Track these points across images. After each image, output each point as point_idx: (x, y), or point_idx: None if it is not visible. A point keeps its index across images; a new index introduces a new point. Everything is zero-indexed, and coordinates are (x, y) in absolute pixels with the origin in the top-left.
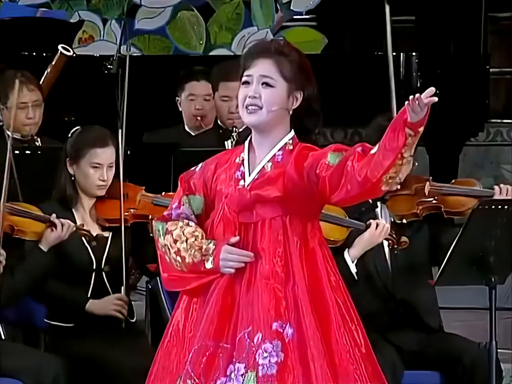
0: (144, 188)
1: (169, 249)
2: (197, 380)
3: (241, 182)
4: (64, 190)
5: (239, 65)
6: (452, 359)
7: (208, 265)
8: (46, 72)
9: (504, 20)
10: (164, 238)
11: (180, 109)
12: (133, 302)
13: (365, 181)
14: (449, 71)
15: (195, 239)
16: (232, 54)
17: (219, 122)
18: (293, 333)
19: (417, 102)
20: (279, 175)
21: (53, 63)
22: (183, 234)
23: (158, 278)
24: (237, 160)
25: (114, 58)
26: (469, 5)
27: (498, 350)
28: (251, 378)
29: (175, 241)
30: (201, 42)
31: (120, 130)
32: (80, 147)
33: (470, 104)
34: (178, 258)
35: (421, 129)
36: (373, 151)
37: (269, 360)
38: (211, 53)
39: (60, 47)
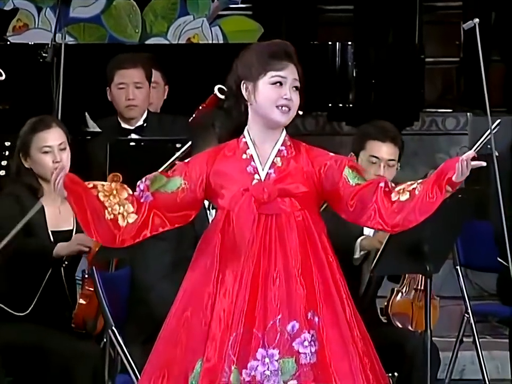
0: None
1: None
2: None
3: (256, 176)
4: (28, 181)
5: (131, 56)
6: (393, 349)
7: None
8: None
9: (439, 9)
10: None
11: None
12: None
13: (395, 225)
14: (385, 60)
15: None
16: (168, 42)
17: (118, 117)
18: (322, 323)
19: (465, 164)
20: (298, 171)
21: None
22: None
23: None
24: (244, 157)
25: (49, 46)
26: None
27: (437, 338)
28: (290, 364)
29: None
30: (136, 31)
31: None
32: (25, 136)
33: (405, 94)
34: None
35: (458, 187)
36: (402, 198)
37: (310, 349)
38: (147, 42)
39: None
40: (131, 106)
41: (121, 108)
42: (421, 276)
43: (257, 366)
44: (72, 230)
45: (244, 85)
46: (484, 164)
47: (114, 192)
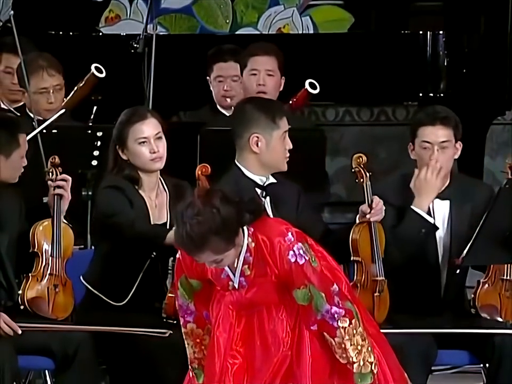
0: None
1: None
2: None
3: (231, 283)
4: (128, 172)
5: (266, 45)
6: (482, 339)
7: None
8: (74, 90)
9: None
10: None
11: (211, 87)
12: None
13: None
14: (477, 49)
15: None
16: (258, 33)
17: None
18: None
19: None
20: (265, 276)
21: (83, 82)
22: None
23: None
24: None
25: (141, 37)
26: None
27: None
28: None
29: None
30: (227, 21)
31: None
32: (122, 128)
33: (497, 83)
34: None
35: None
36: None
37: None
38: (237, 32)
39: (93, 67)
40: (260, 93)
41: (251, 94)
42: (507, 265)
43: None
44: (166, 223)
45: None
46: None
47: (198, 340)
